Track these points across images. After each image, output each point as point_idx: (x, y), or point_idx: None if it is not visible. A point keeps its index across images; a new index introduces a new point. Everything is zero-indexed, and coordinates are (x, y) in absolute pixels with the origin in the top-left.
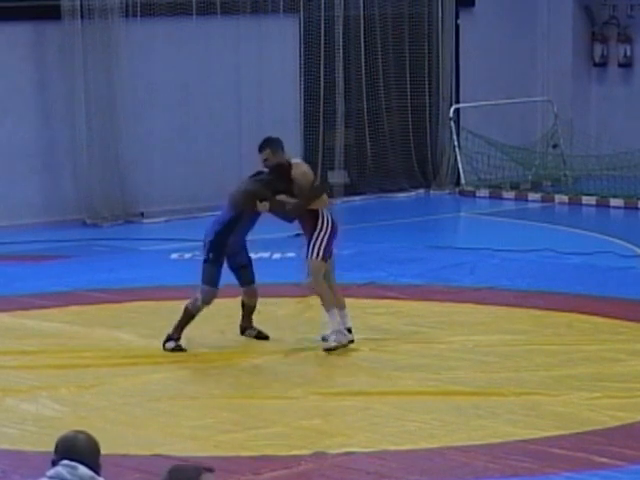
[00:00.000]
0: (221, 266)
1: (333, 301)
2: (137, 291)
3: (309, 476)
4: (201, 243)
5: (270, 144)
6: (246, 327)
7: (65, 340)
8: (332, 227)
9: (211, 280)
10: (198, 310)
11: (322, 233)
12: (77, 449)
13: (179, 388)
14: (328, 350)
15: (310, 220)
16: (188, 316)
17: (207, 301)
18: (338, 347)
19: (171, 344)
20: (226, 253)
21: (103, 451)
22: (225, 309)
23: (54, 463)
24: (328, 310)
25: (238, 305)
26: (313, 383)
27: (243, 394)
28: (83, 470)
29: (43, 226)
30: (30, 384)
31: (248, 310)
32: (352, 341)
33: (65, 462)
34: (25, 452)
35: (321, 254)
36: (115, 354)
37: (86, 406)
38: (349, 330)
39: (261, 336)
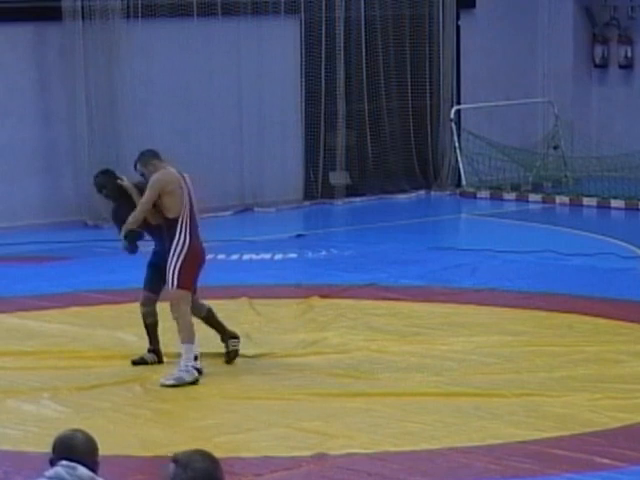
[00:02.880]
0: (148, 268)
1: (192, 335)
2: (138, 292)
3: (310, 477)
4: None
5: (139, 159)
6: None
7: (66, 341)
8: (190, 253)
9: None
10: (144, 316)
11: (174, 260)
12: (75, 448)
13: (180, 389)
14: (165, 386)
15: (168, 238)
16: (145, 326)
17: (140, 303)
18: (177, 385)
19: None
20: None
21: (105, 452)
22: (226, 310)
23: (52, 462)
24: (183, 342)
25: (239, 307)
26: (314, 384)
27: (244, 395)
28: (82, 470)
29: (44, 227)
30: (31, 385)
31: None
32: (197, 380)
33: (64, 462)
34: (27, 453)
35: (176, 283)
36: (116, 355)
37: (87, 407)
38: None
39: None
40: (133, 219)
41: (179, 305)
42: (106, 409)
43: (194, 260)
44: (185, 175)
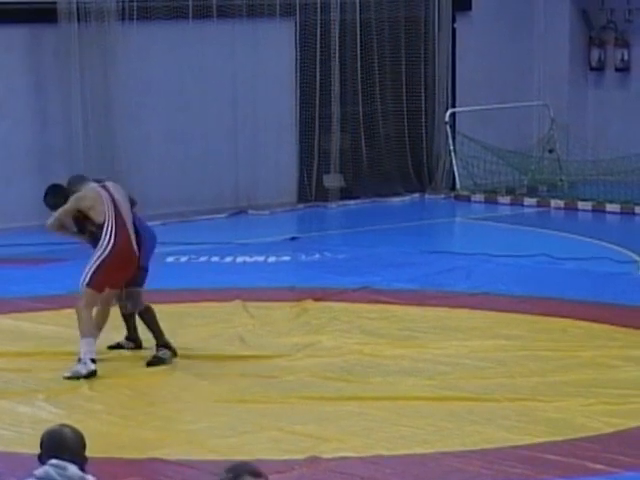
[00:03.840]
0: None
1: (92, 330)
2: None
3: None
4: (195, 247)
5: (48, 200)
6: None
7: (61, 343)
8: (112, 255)
9: None
10: (120, 308)
11: (94, 259)
12: (65, 445)
13: (174, 392)
14: (66, 378)
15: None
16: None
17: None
18: (73, 378)
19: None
20: None
21: (98, 454)
22: (219, 313)
23: (41, 460)
24: (83, 337)
25: (233, 309)
26: (307, 388)
27: (238, 398)
28: (73, 471)
29: (39, 229)
30: (26, 387)
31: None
32: (94, 372)
33: (54, 462)
34: (21, 454)
35: (87, 280)
36: (110, 357)
37: (82, 409)
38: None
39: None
40: (53, 219)
41: (81, 300)
42: (100, 411)
43: (116, 263)
44: (109, 184)
